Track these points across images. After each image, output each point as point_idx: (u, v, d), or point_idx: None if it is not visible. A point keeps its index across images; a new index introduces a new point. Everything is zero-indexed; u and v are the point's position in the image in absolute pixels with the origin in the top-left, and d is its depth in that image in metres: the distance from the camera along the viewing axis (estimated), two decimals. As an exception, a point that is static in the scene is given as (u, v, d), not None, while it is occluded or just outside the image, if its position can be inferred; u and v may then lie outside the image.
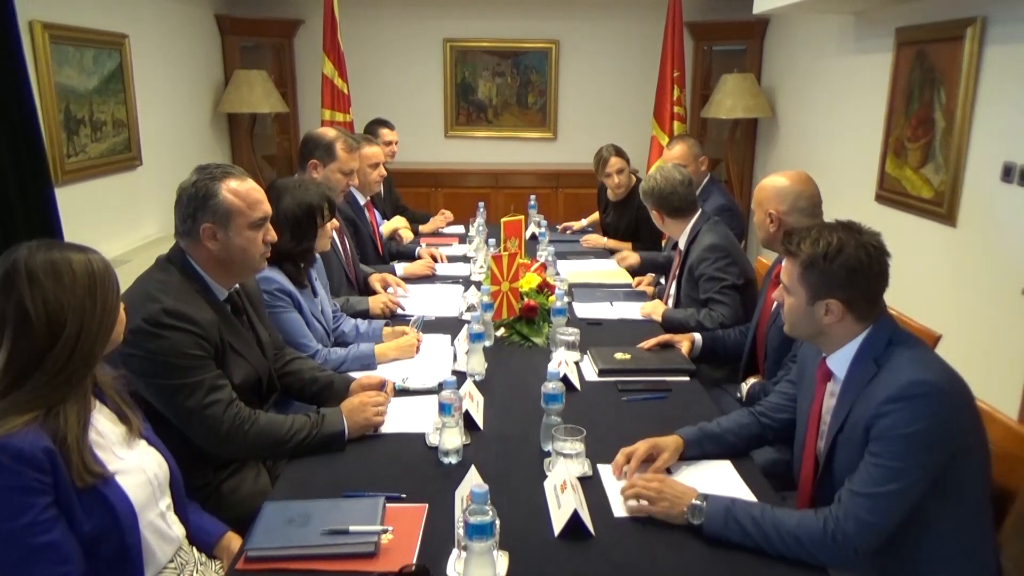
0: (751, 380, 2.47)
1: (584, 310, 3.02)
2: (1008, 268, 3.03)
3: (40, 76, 3.49)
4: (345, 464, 1.81)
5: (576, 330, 2.52)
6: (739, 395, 2.49)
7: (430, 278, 3.52)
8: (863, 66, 4.25)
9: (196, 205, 1.82)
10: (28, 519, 1.26)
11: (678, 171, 3.01)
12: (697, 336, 2.65)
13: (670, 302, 3.10)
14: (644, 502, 1.57)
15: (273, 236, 1.95)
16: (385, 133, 4.51)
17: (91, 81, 3.96)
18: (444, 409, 1.78)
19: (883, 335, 1.57)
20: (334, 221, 2.47)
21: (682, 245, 3.01)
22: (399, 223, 4.23)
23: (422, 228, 4.62)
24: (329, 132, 3.16)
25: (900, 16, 3.80)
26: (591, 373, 2.37)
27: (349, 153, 3.09)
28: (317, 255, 2.52)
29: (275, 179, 2.51)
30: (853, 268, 1.55)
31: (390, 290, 3.21)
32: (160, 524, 1.50)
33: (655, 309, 2.95)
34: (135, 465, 1.47)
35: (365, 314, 2.85)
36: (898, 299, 3.52)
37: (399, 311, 2.94)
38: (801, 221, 2.19)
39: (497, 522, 1.34)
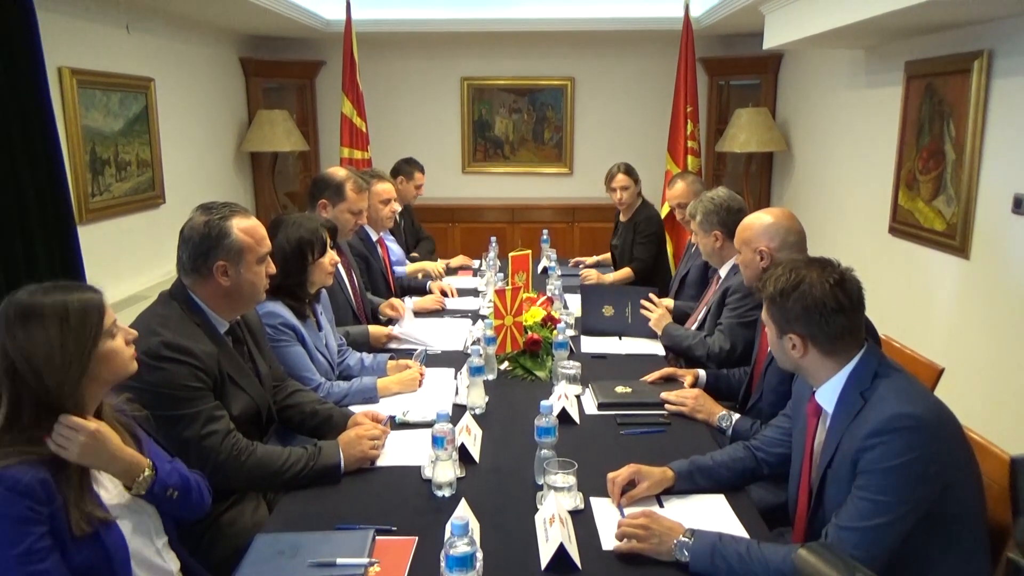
0: (735, 416, 2.30)
1: (591, 344, 3.02)
2: (1021, 299, 2.99)
3: (67, 119, 3.63)
4: (339, 497, 1.83)
5: (577, 364, 2.52)
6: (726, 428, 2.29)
7: (439, 312, 3.55)
8: (874, 99, 4.26)
9: (210, 244, 1.88)
10: (23, 548, 1.29)
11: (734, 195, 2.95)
12: (701, 372, 2.63)
13: (693, 326, 3.09)
14: (633, 541, 1.56)
15: (273, 269, 2.02)
16: (418, 177, 4.68)
17: (117, 123, 4.10)
18: (437, 442, 1.80)
19: (869, 368, 1.56)
20: (333, 256, 2.50)
21: (723, 272, 2.97)
22: (427, 266, 4.19)
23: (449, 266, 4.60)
24: (339, 172, 3.20)
25: (909, 50, 3.81)
26: (592, 407, 2.37)
27: (358, 193, 3.13)
28: (323, 289, 2.58)
29: (280, 214, 2.57)
30: (807, 305, 1.57)
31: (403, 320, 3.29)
32: (155, 559, 1.52)
33: (658, 323, 2.98)
34: (130, 500, 1.49)
35: (364, 345, 2.88)
36: (912, 331, 3.50)
37: (401, 345, 2.97)
38: (791, 256, 2.18)
39: (479, 554, 1.34)
